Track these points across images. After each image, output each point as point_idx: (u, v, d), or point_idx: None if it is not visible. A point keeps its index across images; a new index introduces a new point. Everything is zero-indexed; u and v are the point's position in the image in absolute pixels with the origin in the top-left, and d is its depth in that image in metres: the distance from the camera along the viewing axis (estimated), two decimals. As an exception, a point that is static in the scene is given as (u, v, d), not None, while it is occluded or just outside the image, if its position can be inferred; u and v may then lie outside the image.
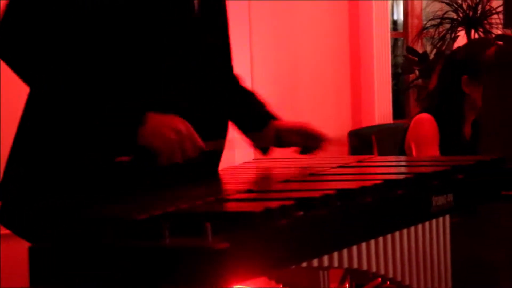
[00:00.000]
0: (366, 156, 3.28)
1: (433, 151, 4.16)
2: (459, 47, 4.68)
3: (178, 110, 2.40)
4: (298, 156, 2.76)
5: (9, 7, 2.33)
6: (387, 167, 2.62)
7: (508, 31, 5.85)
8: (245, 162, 2.94)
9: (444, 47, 6.37)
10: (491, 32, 6.28)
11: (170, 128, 2.31)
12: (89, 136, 2.33)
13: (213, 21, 2.65)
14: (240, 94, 2.79)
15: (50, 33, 2.28)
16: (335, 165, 2.60)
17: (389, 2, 6.09)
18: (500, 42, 4.10)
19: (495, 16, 6.52)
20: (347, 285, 2.84)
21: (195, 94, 2.53)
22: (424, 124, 4.29)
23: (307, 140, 2.65)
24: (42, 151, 2.39)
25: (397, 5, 6.56)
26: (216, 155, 2.61)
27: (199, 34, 2.57)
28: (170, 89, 2.45)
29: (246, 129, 2.74)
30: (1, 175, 2.48)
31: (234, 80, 2.79)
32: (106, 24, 2.35)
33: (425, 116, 4.30)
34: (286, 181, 2.26)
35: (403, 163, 2.83)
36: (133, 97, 2.37)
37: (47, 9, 2.29)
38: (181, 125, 2.34)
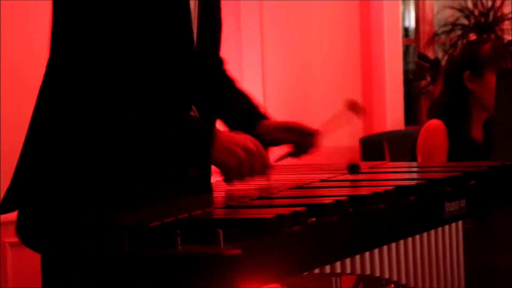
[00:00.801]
0: (378, 162, 3.28)
1: (440, 160, 4.17)
2: (459, 49, 4.71)
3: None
4: (310, 162, 2.75)
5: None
6: (399, 173, 2.62)
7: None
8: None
9: (454, 52, 6.38)
10: (503, 38, 6.28)
11: (240, 146, 2.32)
12: (159, 151, 2.33)
13: (210, 26, 2.62)
14: (234, 95, 2.78)
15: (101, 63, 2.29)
16: (347, 171, 2.60)
17: (401, 8, 6.08)
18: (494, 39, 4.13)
19: (507, 22, 6.51)
20: (359, 291, 2.83)
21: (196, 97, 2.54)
22: (433, 132, 4.30)
23: (299, 137, 2.65)
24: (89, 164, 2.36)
25: (409, 12, 6.56)
26: None
27: (199, 41, 2.57)
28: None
29: (238, 128, 2.74)
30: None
31: (228, 81, 2.78)
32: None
33: (436, 123, 4.31)
34: (298, 187, 2.26)
35: (415, 169, 2.82)
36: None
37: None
38: (251, 144, 2.34)
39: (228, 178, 2.33)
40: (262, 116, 2.74)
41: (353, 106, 2.76)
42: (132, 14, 2.30)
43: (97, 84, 2.26)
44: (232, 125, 2.75)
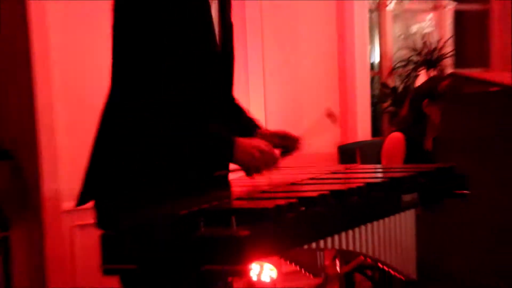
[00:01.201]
0: (352, 165, 3.29)
1: (399, 163, 4.20)
2: (423, 82, 4.73)
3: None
4: (301, 165, 2.76)
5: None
6: (368, 173, 2.62)
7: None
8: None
9: (409, 83, 6.39)
10: (443, 71, 6.33)
11: (256, 149, 2.33)
12: (200, 158, 2.35)
13: (229, 56, 2.62)
14: (237, 110, 2.78)
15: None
16: (329, 172, 2.61)
17: (368, 48, 6.09)
18: (451, 78, 4.13)
19: (447, 59, 6.55)
20: (337, 262, 2.84)
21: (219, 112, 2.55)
22: (395, 142, 4.32)
23: (286, 141, 2.65)
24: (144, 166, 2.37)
25: (374, 51, 6.55)
26: None
27: (223, 69, 2.58)
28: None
29: (240, 135, 2.74)
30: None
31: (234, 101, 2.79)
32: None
33: (398, 135, 4.33)
34: (292, 184, 2.28)
35: (380, 170, 2.83)
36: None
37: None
38: (264, 146, 2.36)
39: (248, 173, 2.35)
40: (257, 127, 2.74)
41: (329, 114, 2.78)
42: (178, 52, 2.32)
43: (150, 107, 2.27)
44: (238, 133, 2.76)
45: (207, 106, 2.41)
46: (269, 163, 2.36)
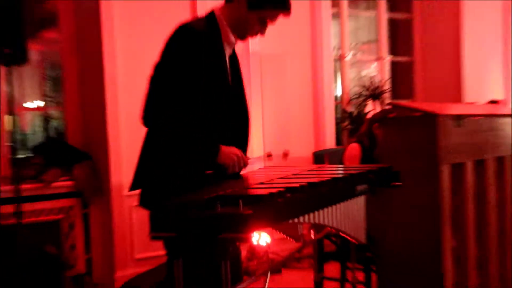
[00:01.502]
0: (322, 165, 3.27)
1: (355, 164, 4.18)
2: (376, 112, 4.76)
3: (225, 141, 2.41)
4: (288, 165, 2.74)
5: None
6: (333, 171, 2.60)
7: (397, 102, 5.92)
8: (259, 169, 2.93)
9: (361, 109, 6.40)
10: (384, 102, 6.38)
11: (233, 154, 2.34)
12: (194, 159, 2.34)
13: (239, 86, 2.59)
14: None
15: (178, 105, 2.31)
16: (306, 170, 2.59)
17: (333, 86, 6.09)
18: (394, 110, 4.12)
19: (386, 94, 6.56)
20: (312, 231, 2.82)
21: (234, 131, 2.53)
22: (354, 150, 4.31)
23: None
24: (167, 164, 2.37)
25: (337, 87, 6.55)
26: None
27: (235, 98, 2.55)
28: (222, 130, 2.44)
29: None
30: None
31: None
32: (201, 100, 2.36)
33: (355, 145, 4.32)
34: (281, 178, 2.26)
35: (342, 169, 2.80)
36: (209, 135, 2.37)
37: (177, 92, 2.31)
38: (238, 152, 2.37)
39: (228, 171, 2.35)
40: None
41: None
42: (199, 93, 2.33)
43: (176, 125, 2.29)
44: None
45: (213, 124, 2.40)
46: (241, 164, 2.38)
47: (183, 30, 2.33)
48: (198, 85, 2.32)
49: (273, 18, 2.42)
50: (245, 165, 2.41)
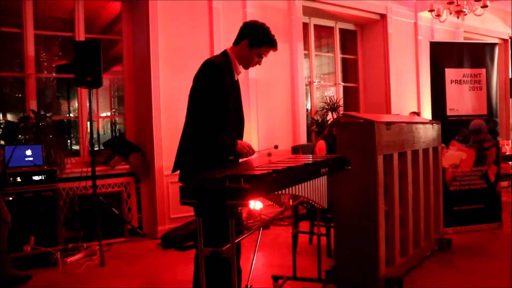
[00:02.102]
0: (298, 155, 3.23)
1: (323, 155, 4.15)
2: (334, 119, 4.71)
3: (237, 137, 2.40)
4: (274, 155, 2.68)
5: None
6: (306, 159, 2.55)
7: (347, 112, 5.85)
8: (255, 158, 2.89)
9: (324, 118, 6.34)
10: (339, 113, 6.30)
11: (246, 145, 2.31)
12: (222, 150, 2.31)
13: (239, 102, 2.54)
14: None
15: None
16: (287, 158, 2.55)
17: (304, 102, 6.03)
18: (343, 117, 4.07)
19: (340, 107, 6.48)
20: (290, 200, 2.77)
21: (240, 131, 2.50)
22: (321, 145, 4.26)
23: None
24: (200, 154, 2.32)
25: (308, 103, 6.49)
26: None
27: (237, 110, 2.51)
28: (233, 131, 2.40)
29: None
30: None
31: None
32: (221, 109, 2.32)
33: (322, 141, 4.28)
34: (270, 163, 2.22)
35: (311, 158, 2.76)
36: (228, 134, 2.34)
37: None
38: (249, 144, 2.34)
39: (242, 156, 2.32)
40: None
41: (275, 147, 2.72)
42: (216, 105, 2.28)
43: (204, 127, 2.26)
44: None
45: (228, 129, 2.35)
46: (251, 153, 2.33)
47: (211, 64, 2.31)
48: (220, 102, 2.30)
49: (266, 53, 2.44)
50: (253, 153, 2.36)
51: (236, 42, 2.43)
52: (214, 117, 2.27)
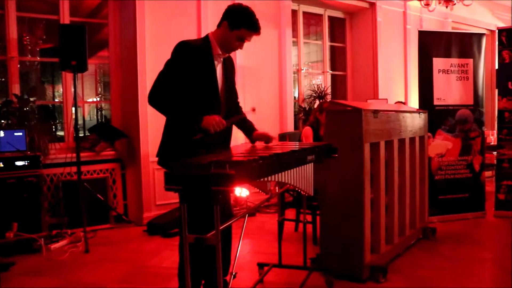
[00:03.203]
0: (285, 142, 3.22)
1: (309, 141, 4.14)
2: (317, 105, 4.68)
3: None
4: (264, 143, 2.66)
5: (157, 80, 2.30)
6: (292, 146, 2.53)
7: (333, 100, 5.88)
8: (242, 144, 2.86)
9: (311, 105, 6.33)
10: (326, 100, 6.27)
11: (211, 119, 2.21)
12: (188, 129, 2.25)
13: (231, 76, 2.52)
14: (244, 120, 2.67)
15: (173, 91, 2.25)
16: (274, 145, 2.53)
17: (292, 90, 6.01)
18: (329, 103, 4.06)
19: (328, 95, 6.48)
20: (277, 187, 2.76)
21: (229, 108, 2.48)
22: (308, 132, 4.26)
23: (266, 138, 2.56)
24: (175, 139, 2.32)
25: (296, 91, 6.48)
26: (229, 138, 2.54)
27: (227, 85, 2.47)
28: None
29: (245, 133, 2.64)
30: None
31: (241, 113, 2.68)
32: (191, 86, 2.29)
33: (308, 128, 4.28)
34: (256, 149, 2.19)
35: (298, 145, 2.75)
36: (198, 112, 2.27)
37: (172, 81, 2.25)
38: (217, 117, 2.23)
39: (210, 131, 2.22)
40: (254, 128, 2.62)
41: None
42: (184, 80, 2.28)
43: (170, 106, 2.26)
44: (244, 132, 2.65)
45: (202, 104, 2.31)
46: (220, 125, 2.23)
47: (181, 43, 2.33)
48: (185, 79, 2.27)
49: (248, 36, 2.37)
50: (224, 125, 2.26)
51: (219, 25, 2.41)
52: (175, 92, 2.25)
